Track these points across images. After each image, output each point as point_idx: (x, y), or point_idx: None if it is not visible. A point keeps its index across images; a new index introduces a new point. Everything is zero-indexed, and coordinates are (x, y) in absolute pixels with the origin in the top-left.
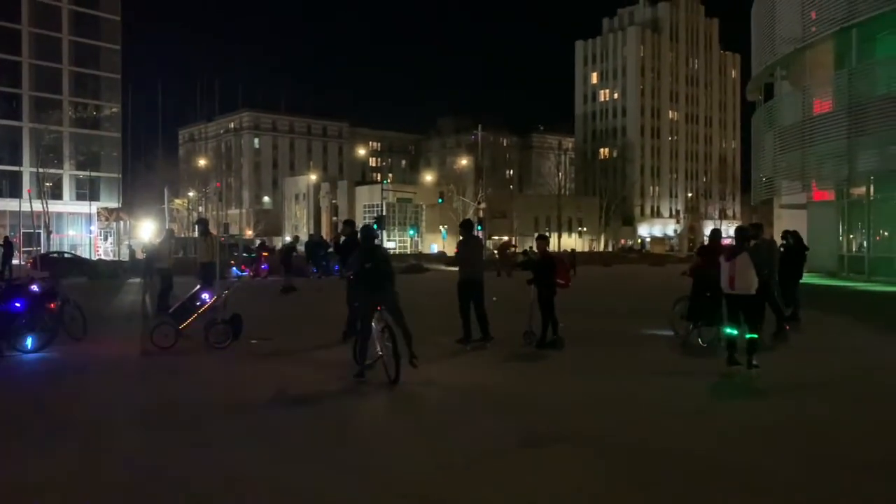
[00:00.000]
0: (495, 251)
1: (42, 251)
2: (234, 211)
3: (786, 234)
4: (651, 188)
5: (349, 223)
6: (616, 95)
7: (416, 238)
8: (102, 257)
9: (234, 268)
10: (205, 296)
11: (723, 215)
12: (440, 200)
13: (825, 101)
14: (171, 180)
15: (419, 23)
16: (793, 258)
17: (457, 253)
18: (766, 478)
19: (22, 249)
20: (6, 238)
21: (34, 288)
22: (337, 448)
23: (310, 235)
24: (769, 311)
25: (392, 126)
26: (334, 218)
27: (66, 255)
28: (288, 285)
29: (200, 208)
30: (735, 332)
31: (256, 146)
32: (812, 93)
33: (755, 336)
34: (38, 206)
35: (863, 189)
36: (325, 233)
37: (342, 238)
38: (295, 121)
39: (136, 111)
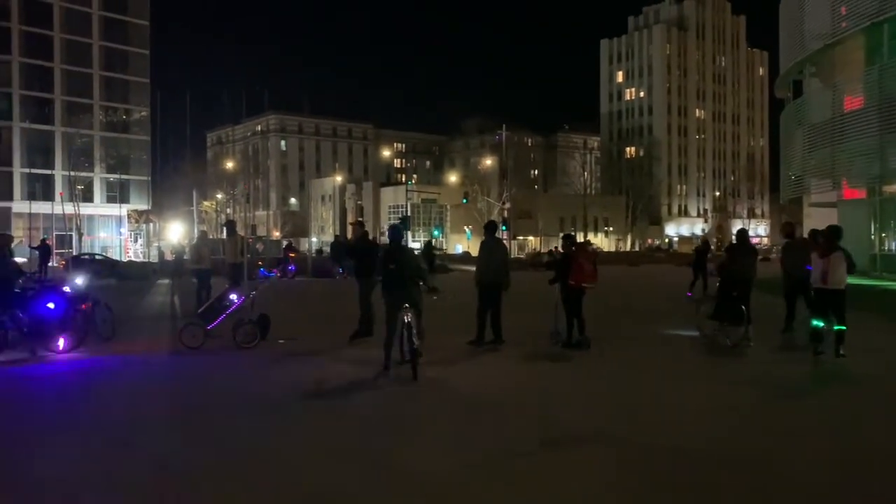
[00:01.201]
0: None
1: (74, 253)
2: (261, 212)
3: (815, 233)
4: (678, 187)
5: (360, 224)
6: (642, 94)
7: (440, 238)
8: (132, 259)
9: (262, 268)
10: (233, 296)
11: (751, 214)
12: (465, 201)
13: (856, 98)
14: (199, 182)
15: (443, 23)
16: None
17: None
18: (791, 479)
19: (55, 251)
20: (43, 240)
21: (67, 289)
22: (358, 446)
23: (335, 236)
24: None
25: (416, 127)
26: (360, 219)
27: (97, 257)
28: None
29: (228, 210)
30: (822, 323)
31: (283, 148)
32: (842, 89)
33: (843, 328)
34: (69, 208)
35: (895, 186)
36: (350, 234)
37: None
38: (321, 123)
39: (165, 115)
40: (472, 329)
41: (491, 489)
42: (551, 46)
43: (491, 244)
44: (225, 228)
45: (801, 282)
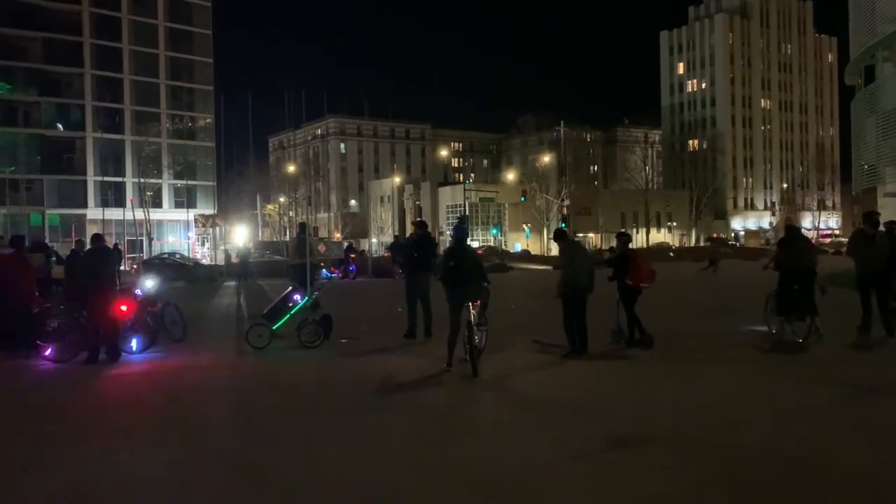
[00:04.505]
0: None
1: (145, 257)
2: (322, 215)
3: (891, 225)
4: (744, 180)
5: (420, 224)
6: (704, 85)
7: (499, 237)
8: (200, 262)
9: (324, 269)
10: (296, 297)
11: (821, 206)
12: (523, 199)
13: None
14: (262, 186)
15: (498, 18)
16: None
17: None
18: (864, 480)
19: (126, 255)
20: (115, 245)
21: (138, 292)
22: (421, 445)
23: (395, 237)
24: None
25: (473, 126)
26: (418, 219)
27: (166, 261)
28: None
29: (291, 213)
30: None
31: (342, 151)
32: None
33: None
34: (140, 214)
35: None
36: (409, 234)
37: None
38: (379, 125)
39: (229, 121)
40: (539, 328)
41: (550, 491)
42: (609, 39)
43: (574, 250)
44: (297, 229)
45: (875, 276)
